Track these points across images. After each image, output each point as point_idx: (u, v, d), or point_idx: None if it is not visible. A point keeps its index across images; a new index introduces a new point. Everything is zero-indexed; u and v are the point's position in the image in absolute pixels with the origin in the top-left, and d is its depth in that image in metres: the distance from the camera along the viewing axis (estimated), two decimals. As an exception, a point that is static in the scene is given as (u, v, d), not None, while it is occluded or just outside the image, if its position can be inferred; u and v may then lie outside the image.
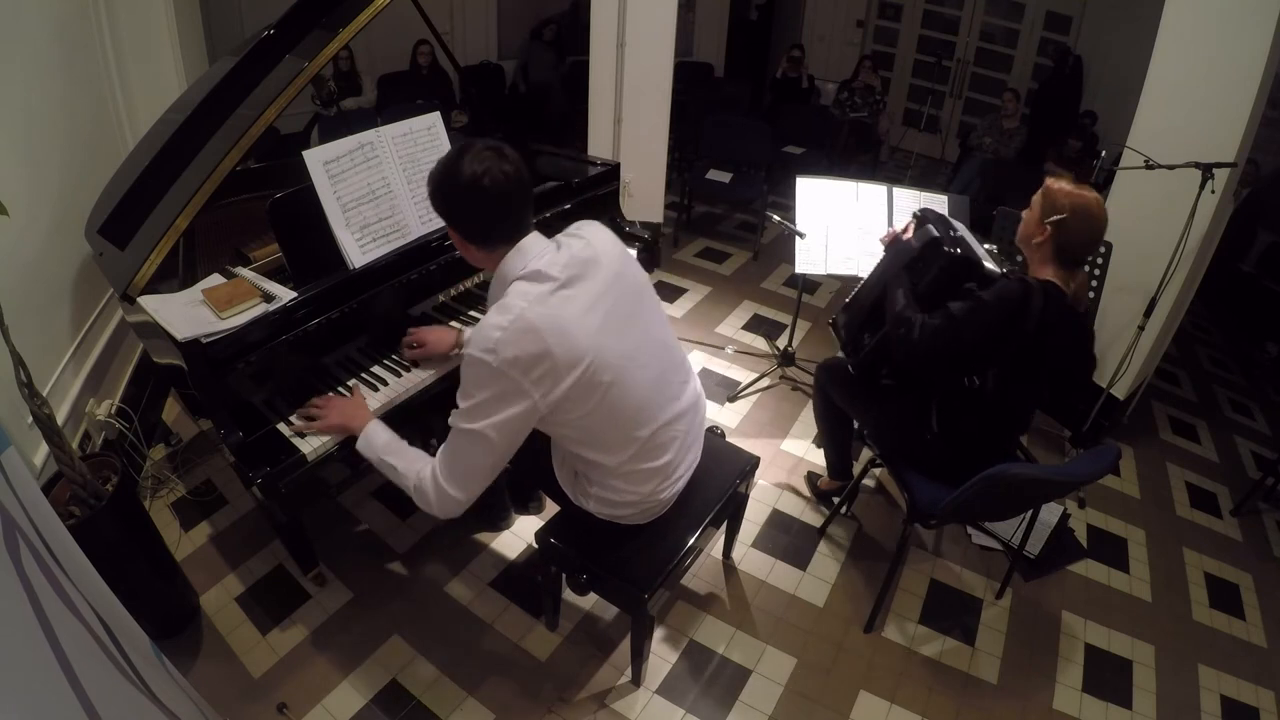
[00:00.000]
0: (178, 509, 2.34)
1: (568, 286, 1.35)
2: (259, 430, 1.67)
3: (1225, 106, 2.47)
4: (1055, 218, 1.71)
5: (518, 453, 1.85)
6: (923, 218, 2.05)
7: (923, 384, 2.01)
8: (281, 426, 1.70)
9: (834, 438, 2.44)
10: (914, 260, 1.98)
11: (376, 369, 1.90)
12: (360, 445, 1.58)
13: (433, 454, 1.48)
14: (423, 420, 1.89)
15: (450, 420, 1.39)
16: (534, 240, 1.40)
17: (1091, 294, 2.64)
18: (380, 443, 1.55)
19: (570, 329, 1.32)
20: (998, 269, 1.93)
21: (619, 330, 1.41)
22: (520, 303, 1.31)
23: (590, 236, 1.46)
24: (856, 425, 2.38)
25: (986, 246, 2.12)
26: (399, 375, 1.88)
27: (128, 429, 2.30)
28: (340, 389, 1.83)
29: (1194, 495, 2.98)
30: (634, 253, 1.58)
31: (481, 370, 1.30)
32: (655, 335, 1.54)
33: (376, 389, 1.84)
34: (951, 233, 1.98)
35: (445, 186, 1.34)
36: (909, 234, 2.05)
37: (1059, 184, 1.75)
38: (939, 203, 2.83)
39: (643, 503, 1.63)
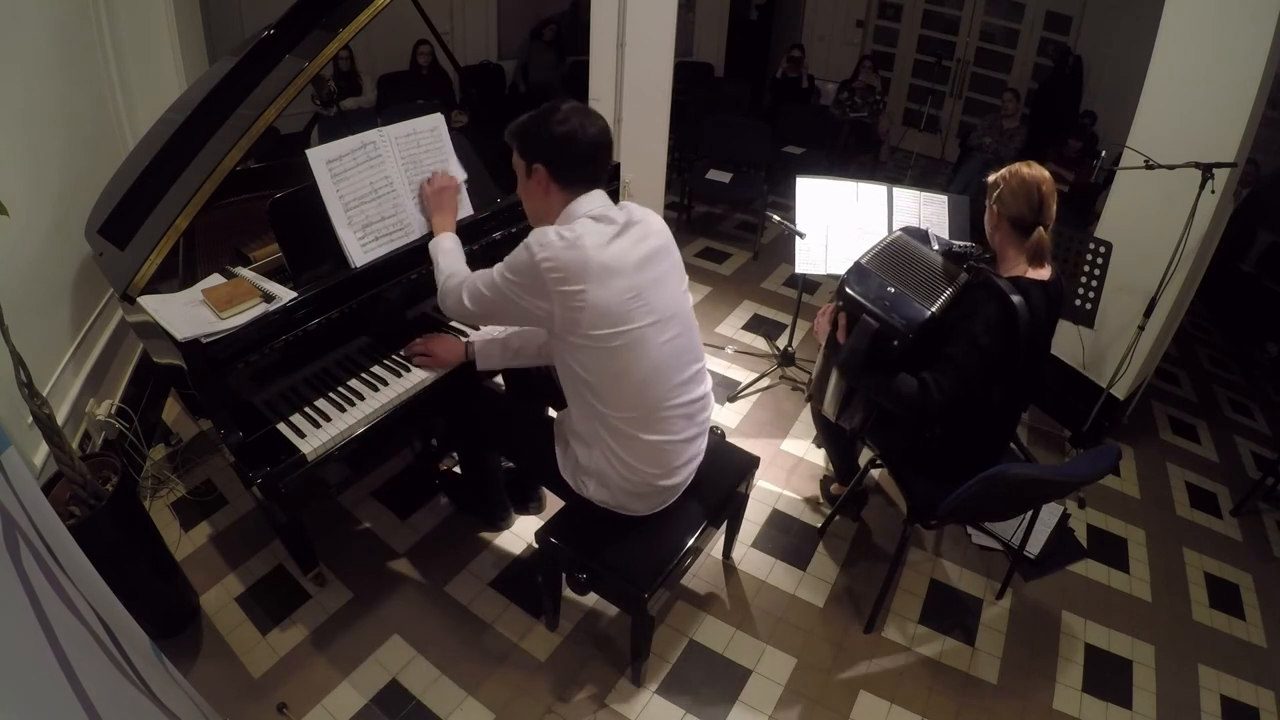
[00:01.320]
0: (178, 509, 2.34)
1: (624, 234, 1.50)
2: (259, 430, 1.67)
3: (1225, 106, 2.47)
4: (995, 194, 1.80)
5: (519, 448, 1.86)
6: (848, 305, 1.86)
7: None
8: (282, 426, 1.70)
9: (835, 441, 2.44)
10: (872, 348, 1.81)
11: (377, 369, 1.90)
12: (431, 244, 1.82)
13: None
14: (424, 419, 1.90)
15: (496, 268, 1.55)
16: (599, 193, 1.56)
17: (1091, 294, 2.64)
18: (448, 245, 1.80)
19: (614, 270, 1.45)
20: (952, 279, 1.82)
21: (657, 290, 1.53)
22: (584, 231, 1.45)
23: (643, 210, 1.60)
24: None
25: (942, 247, 1.97)
26: (399, 375, 1.89)
27: (128, 429, 2.30)
28: (343, 390, 1.82)
29: (1194, 495, 2.98)
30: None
31: (523, 256, 1.46)
32: (684, 315, 1.63)
33: (376, 389, 1.84)
34: (889, 289, 1.80)
35: (549, 128, 1.49)
36: (841, 331, 1.89)
37: (995, 173, 1.84)
38: (939, 203, 2.83)
39: (641, 486, 1.64)
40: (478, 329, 2.05)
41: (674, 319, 1.58)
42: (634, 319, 1.48)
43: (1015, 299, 1.70)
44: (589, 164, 1.52)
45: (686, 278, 1.68)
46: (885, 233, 2.75)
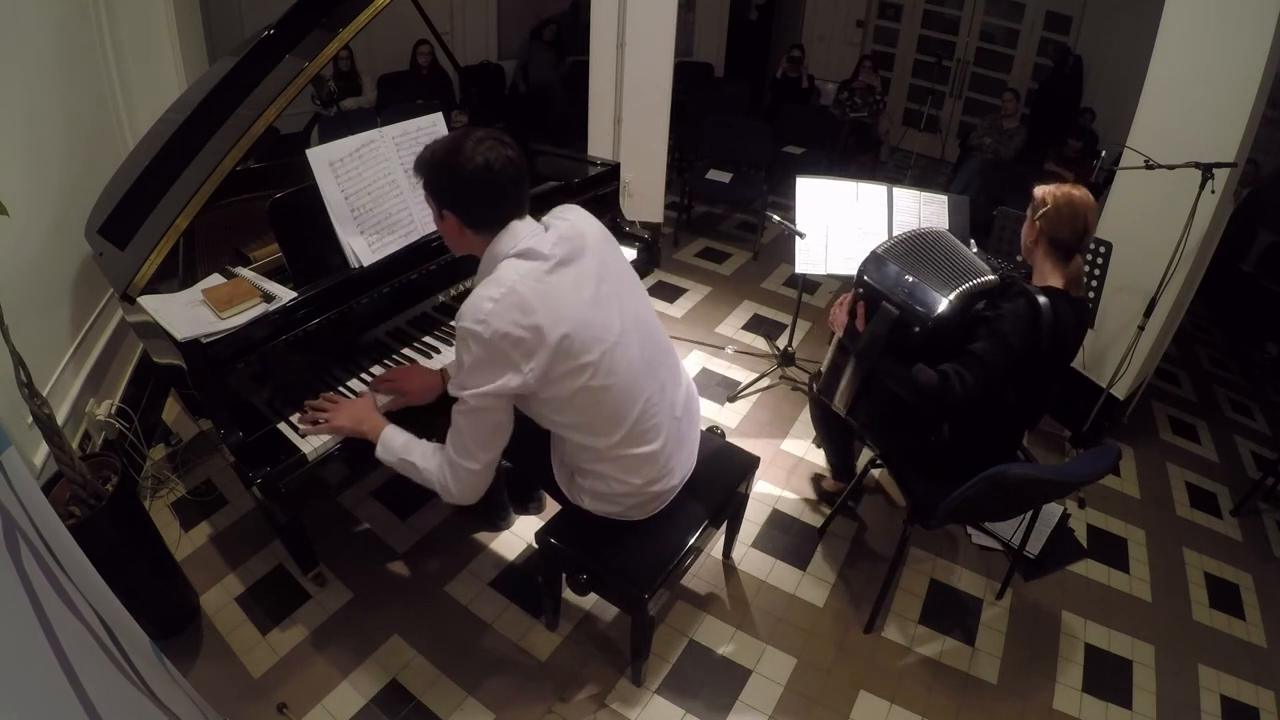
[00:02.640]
0: (178, 509, 2.34)
1: (559, 266, 1.38)
2: (259, 430, 1.67)
3: (1225, 106, 2.47)
4: (1041, 211, 1.81)
5: (518, 451, 1.84)
6: (867, 292, 1.90)
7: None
8: (282, 426, 1.70)
9: (833, 440, 2.45)
10: (891, 335, 1.85)
11: (377, 369, 1.90)
12: (380, 453, 1.58)
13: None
14: (423, 420, 1.89)
15: (450, 388, 1.41)
16: (523, 222, 1.43)
17: (1092, 294, 2.64)
18: (398, 444, 1.56)
19: (560, 307, 1.36)
20: (987, 271, 1.87)
21: (606, 312, 1.45)
22: (513, 276, 1.34)
23: (574, 219, 1.49)
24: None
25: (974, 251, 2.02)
26: (399, 375, 1.88)
27: (128, 429, 2.30)
28: (343, 390, 1.83)
29: (1194, 495, 2.98)
30: (613, 236, 1.59)
31: (473, 342, 1.33)
32: (641, 320, 1.56)
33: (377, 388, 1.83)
34: (906, 278, 1.84)
35: (451, 173, 1.35)
36: (860, 319, 1.93)
37: (1044, 186, 1.85)
38: (939, 203, 2.83)
39: (636, 495, 1.62)
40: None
41: (635, 329, 1.51)
42: (598, 342, 1.41)
43: (1042, 300, 1.73)
44: (501, 204, 1.39)
45: (636, 276, 1.60)
46: (885, 234, 2.76)
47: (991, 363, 1.73)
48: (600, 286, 1.45)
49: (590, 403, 1.46)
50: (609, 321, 1.45)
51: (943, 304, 1.78)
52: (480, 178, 1.33)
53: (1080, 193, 1.80)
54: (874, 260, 1.93)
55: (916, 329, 1.79)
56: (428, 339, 2.03)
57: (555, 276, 1.37)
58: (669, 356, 1.66)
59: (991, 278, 1.86)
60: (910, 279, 1.85)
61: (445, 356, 1.96)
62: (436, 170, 1.38)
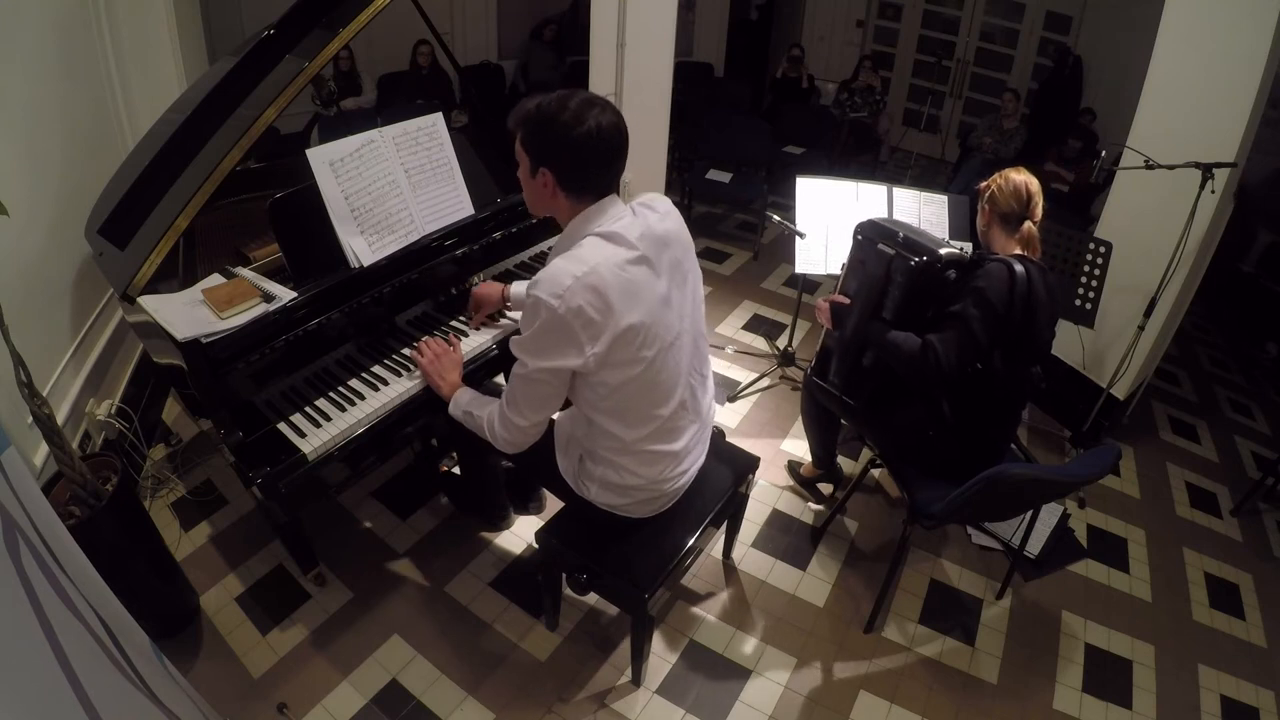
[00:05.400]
0: (178, 509, 2.34)
1: (641, 261, 1.39)
2: (259, 430, 1.67)
3: (1225, 106, 2.47)
4: (986, 196, 1.97)
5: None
6: (863, 244, 2.05)
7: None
8: (282, 426, 1.70)
9: (818, 431, 2.47)
10: (881, 287, 1.97)
11: (377, 368, 1.90)
12: (450, 409, 1.74)
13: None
14: (425, 419, 1.90)
15: (512, 348, 1.45)
16: (613, 201, 1.43)
17: (1091, 294, 2.64)
18: (465, 400, 1.70)
19: (636, 299, 1.38)
20: (957, 249, 1.97)
21: (670, 313, 1.48)
22: (596, 257, 1.34)
23: (664, 212, 1.49)
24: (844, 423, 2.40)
25: (959, 245, 2.13)
26: (400, 375, 1.89)
27: (128, 429, 2.30)
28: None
29: (1194, 495, 2.98)
30: (690, 238, 1.61)
31: (545, 313, 1.33)
32: (695, 325, 1.61)
33: (377, 388, 1.84)
34: (899, 235, 1.97)
35: (559, 129, 1.32)
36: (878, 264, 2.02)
37: (984, 182, 2.02)
38: (939, 203, 2.83)
39: (646, 489, 1.63)
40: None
41: (689, 332, 1.55)
42: (659, 340, 1.43)
43: (1018, 268, 1.81)
44: (603, 173, 1.38)
45: (700, 280, 1.62)
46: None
47: (972, 320, 1.79)
48: (672, 287, 1.48)
49: (634, 395, 1.47)
50: (671, 322, 1.48)
51: (936, 250, 1.90)
52: (588, 140, 1.32)
53: (1018, 172, 1.94)
54: (868, 223, 2.08)
55: (913, 263, 1.90)
56: (428, 338, 2.03)
57: (637, 269, 1.38)
58: (706, 364, 1.69)
59: (968, 252, 1.97)
60: (902, 234, 1.97)
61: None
62: (543, 125, 1.34)
